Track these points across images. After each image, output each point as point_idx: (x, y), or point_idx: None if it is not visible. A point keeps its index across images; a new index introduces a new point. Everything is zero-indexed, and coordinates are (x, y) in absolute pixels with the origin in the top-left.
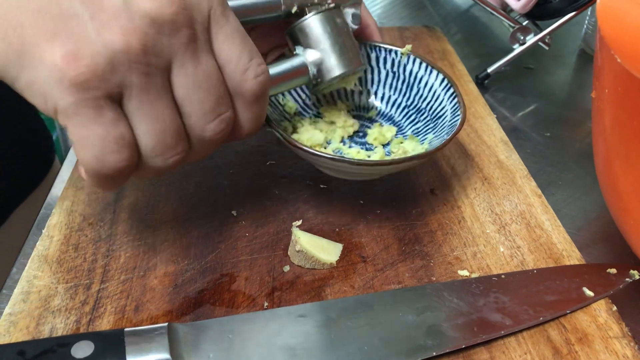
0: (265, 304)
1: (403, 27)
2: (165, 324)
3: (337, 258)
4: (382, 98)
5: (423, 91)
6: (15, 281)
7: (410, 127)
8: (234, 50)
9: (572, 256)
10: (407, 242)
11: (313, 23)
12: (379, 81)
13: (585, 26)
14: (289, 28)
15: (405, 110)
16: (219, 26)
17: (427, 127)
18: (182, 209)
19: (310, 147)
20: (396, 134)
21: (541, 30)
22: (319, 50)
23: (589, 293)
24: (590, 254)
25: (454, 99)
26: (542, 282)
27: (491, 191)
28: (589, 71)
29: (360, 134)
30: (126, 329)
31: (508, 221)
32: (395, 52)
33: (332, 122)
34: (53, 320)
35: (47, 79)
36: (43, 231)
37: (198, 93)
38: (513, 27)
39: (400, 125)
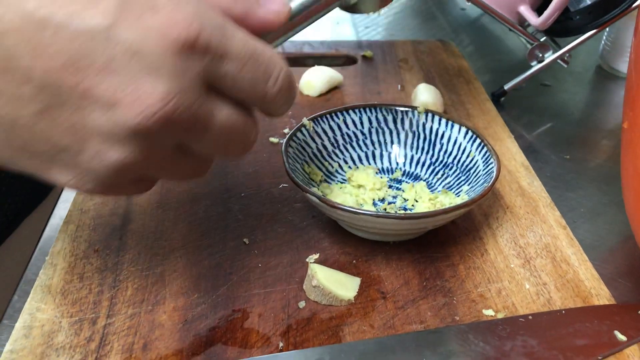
0: (280, 344)
1: (416, 40)
2: None
3: (355, 294)
4: (405, 158)
5: (447, 146)
6: (17, 310)
7: (440, 183)
8: (247, 88)
9: (601, 295)
10: (428, 277)
11: None
12: (399, 142)
13: (602, 42)
14: None
15: (432, 168)
16: (220, 75)
17: (459, 180)
18: (191, 235)
19: (351, 207)
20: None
21: (559, 47)
22: None
23: (621, 337)
24: (615, 288)
25: (482, 148)
26: (571, 324)
27: (514, 221)
28: (605, 89)
29: (391, 197)
30: None
31: (533, 255)
32: (412, 112)
33: (360, 186)
34: (57, 359)
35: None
36: (46, 258)
37: (225, 148)
38: (531, 44)
39: (429, 183)
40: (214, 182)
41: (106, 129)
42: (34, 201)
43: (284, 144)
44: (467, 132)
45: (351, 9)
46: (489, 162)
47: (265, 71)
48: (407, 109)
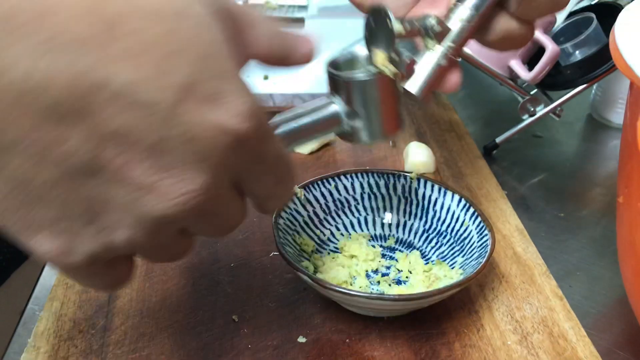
0: None
1: None
2: None
3: None
4: (398, 225)
5: (440, 214)
6: None
7: (435, 252)
8: (256, 195)
9: None
10: (423, 357)
11: (358, 84)
12: (392, 208)
13: (593, 91)
14: (333, 72)
15: (425, 235)
16: (249, 176)
17: (454, 251)
18: (179, 312)
19: (344, 287)
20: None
21: (551, 100)
22: (356, 109)
23: None
24: None
25: (476, 218)
26: None
27: (510, 292)
28: (597, 139)
29: (385, 267)
30: None
31: (530, 330)
32: (405, 177)
33: (353, 256)
34: None
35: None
36: (29, 340)
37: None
38: (523, 98)
39: (423, 251)
40: (203, 252)
41: (129, 210)
42: (13, 266)
43: (274, 216)
44: (460, 200)
45: (349, 138)
46: (483, 233)
47: (283, 177)
48: (399, 174)
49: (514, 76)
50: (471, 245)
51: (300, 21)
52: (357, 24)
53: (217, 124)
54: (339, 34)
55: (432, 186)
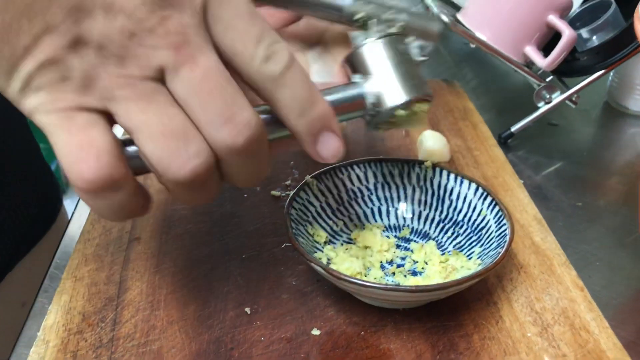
0: None
1: None
2: None
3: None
4: (413, 214)
5: (457, 203)
6: None
7: (451, 243)
8: (237, 39)
9: None
10: (441, 350)
11: (372, 48)
12: (406, 197)
13: (610, 78)
14: (348, 54)
15: (441, 225)
16: (216, 16)
17: (471, 241)
18: (190, 304)
19: (359, 279)
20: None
21: (567, 87)
22: (378, 77)
23: None
24: (637, 352)
25: (494, 207)
26: None
27: (529, 282)
28: (614, 127)
29: (400, 258)
30: None
31: (550, 321)
32: (419, 166)
33: (367, 247)
34: None
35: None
36: (38, 334)
37: (198, 98)
38: (538, 85)
39: (439, 241)
40: (214, 244)
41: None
42: (38, 233)
43: (286, 206)
44: (477, 189)
45: (376, 112)
46: (502, 222)
47: (262, 34)
48: (414, 162)
49: (529, 63)
50: (489, 235)
51: None
52: None
53: None
54: None
55: (448, 174)
